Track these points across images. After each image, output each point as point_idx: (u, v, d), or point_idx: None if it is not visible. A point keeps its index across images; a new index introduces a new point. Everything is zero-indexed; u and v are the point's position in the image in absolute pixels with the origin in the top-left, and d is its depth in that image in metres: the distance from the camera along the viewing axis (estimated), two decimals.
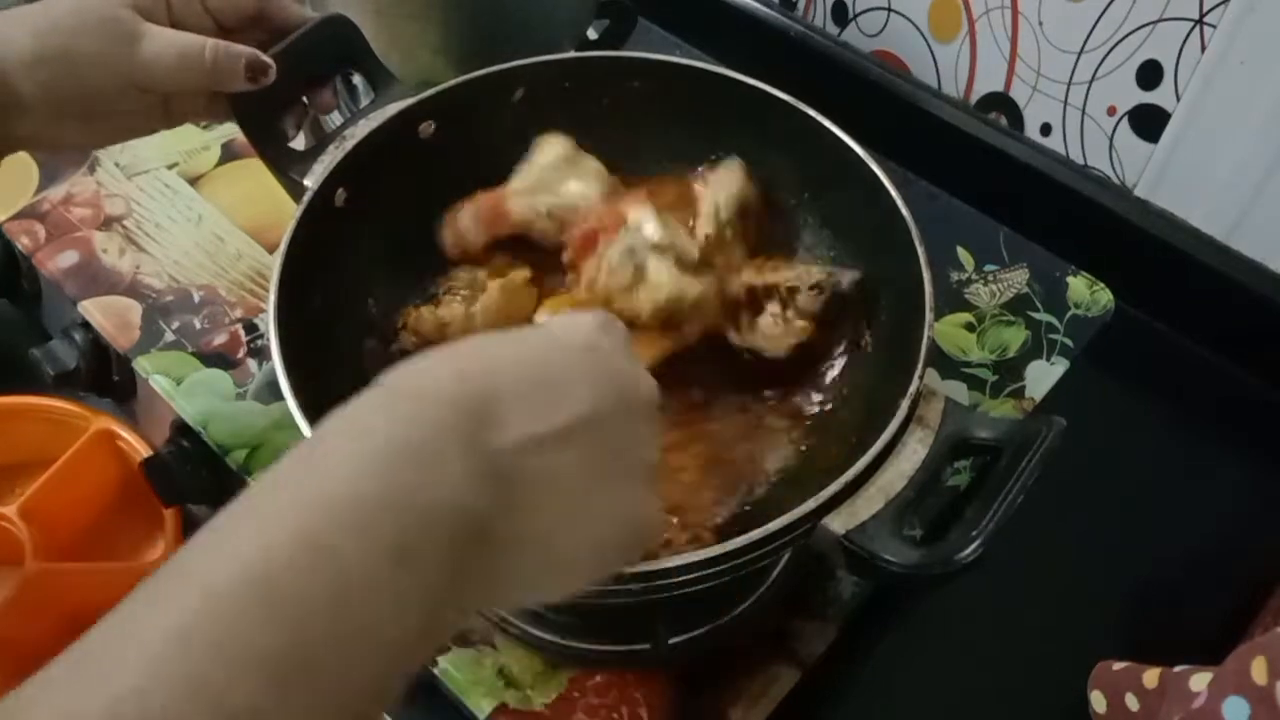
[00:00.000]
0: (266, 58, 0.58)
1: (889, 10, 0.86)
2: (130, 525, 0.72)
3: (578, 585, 0.37)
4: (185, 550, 0.29)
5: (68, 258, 0.77)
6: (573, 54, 0.77)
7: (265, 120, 0.61)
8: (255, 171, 0.80)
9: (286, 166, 0.61)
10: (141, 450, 0.70)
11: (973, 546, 0.43)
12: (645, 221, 0.58)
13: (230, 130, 0.85)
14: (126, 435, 0.70)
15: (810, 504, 0.45)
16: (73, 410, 0.71)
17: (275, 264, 0.55)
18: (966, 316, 0.73)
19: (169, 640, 0.26)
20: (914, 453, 0.48)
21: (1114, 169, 0.78)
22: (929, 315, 0.52)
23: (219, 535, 0.29)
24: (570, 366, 0.36)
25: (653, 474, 0.38)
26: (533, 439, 0.33)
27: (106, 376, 0.74)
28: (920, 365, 0.49)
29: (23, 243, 0.78)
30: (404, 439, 0.31)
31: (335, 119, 0.71)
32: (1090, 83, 0.75)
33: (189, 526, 0.69)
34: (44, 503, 0.67)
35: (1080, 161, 0.79)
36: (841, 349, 0.63)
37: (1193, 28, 0.68)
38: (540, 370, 0.36)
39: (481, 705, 0.56)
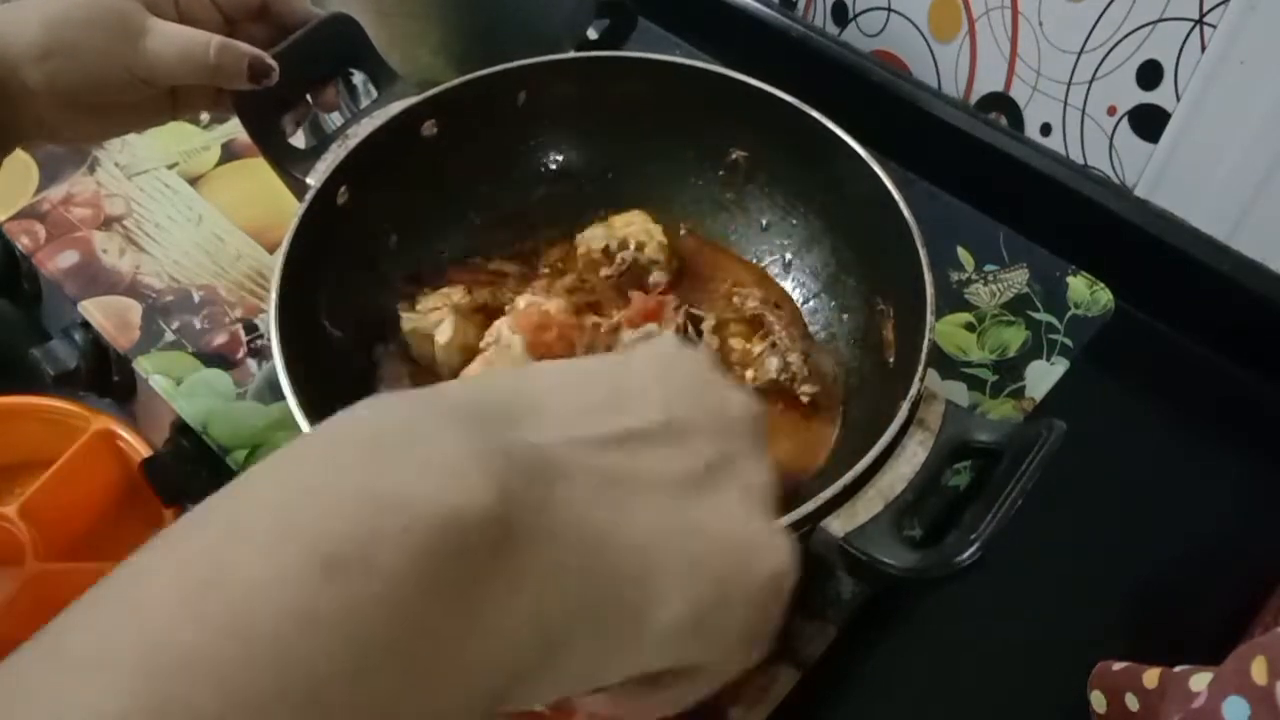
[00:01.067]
0: (270, 60, 0.58)
1: (889, 10, 0.86)
2: (130, 525, 0.72)
3: (666, 636, 0.27)
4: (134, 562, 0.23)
5: (68, 258, 0.77)
6: (573, 54, 0.77)
7: (268, 118, 0.62)
8: (255, 171, 0.80)
9: (289, 164, 0.61)
10: (141, 450, 0.70)
11: (971, 550, 0.43)
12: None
13: (230, 130, 0.85)
14: (126, 435, 0.70)
15: (809, 506, 0.45)
16: (73, 410, 0.71)
17: (276, 263, 0.55)
18: (966, 316, 0.73)
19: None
20: (914, 455, 0.48)
21: (1114, 169, 0.78)
22: (930, 317, 0.52)
23: (140, 564, 0.23)
24: (638, 374, 0.30)
25: (764, 501, 0.30)
26: (580, 435, 0.27)
27: (106, 376, 0.74)
28: (921, 367, 0.49)
29: (23, 243, 0.78)
30: (375, 428, 0.24)
31: (336, 118, 0.71)
32: (1090, 83, 0.75)
33: None
34: (44, 503, 0.67)
35: (1080, 161, 0.79)
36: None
37: (1193, 28, 0.68)
38: (597, 379, 0.29)
39: None
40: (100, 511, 0.72)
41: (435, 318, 0.62)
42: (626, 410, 0.28)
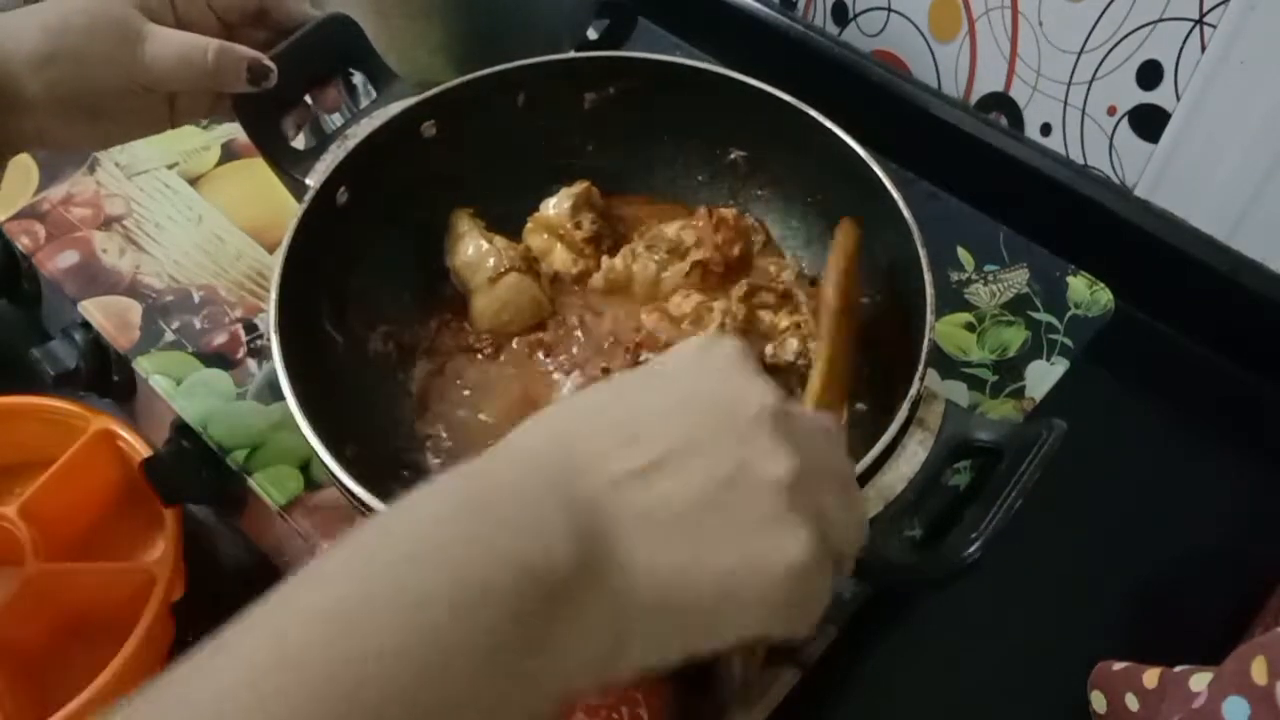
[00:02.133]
0: (268, 61, 0.57)
1: (889, 10, 0.86)
2: (130, 525, 0.72)
3: (707, 638, 0.33)
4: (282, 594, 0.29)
5: (68, 258, 0.77)
6: (573, 54, 0.77)
7: (267, 119, 0.61)
8: (255, 171, 0.80)
9: (289, 166, 0.61)
10: (141, 450, 0.70)
11: (972, 549, 0.43)
12: None
13: (230, 130, 0.85)
14: (126, 435, 0.70)
15: None
16: (73, 410, 0.71)
17: (276, 263, 0.55)
18: (966, 316, 0.73)
19: (238, 688, 0.26)
20: (914, 455, 0.48)
21: (1114, 169, 0.78)
22: (929, 316, 0.52)
23: (288, 595, 0.29)
24: (662, 396, 0.34)
25: (793, 497, 0.32)
26: (619, 476, 0.32)
27: (106, 376, 0.74)
28: (921, 367, 0.49)
29: (23, 243, 0.78)
30: (480, 491, 0.31)
31: (337, 118, 0.71)
32: (1090, 83, 0.75)
33: (189, 526, 0.69)
34: (44, 503, 0.67)
35: (1080, 161, 0.79)
36: None
37: (1193, 28, 0.68)
38: (630, 406, 0.34)
39: None
40: (100, 511, 0.72)
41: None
42: (652, 437, 0.33)
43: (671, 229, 0.66)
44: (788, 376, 0.61)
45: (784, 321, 0.61)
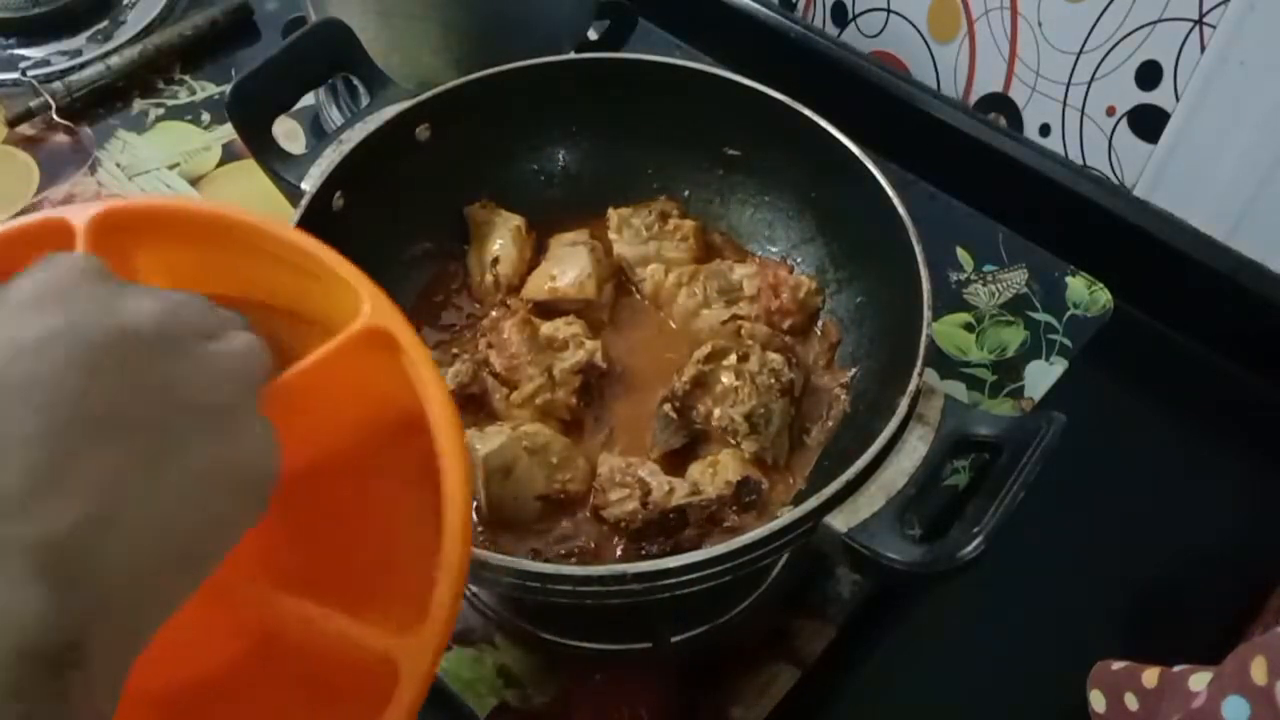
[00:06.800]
0: None
1: (888, 11, 0.86)
2: None
3: (212, 548, 0.31)
4: None
5: None
6: (573, 55, 0.77)
7: (260, 125, 0.61)
8: (256, 172, 0.80)
9: (282, 170, 0.61)
10: None
11: (975, 543, 0.42)
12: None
13: (231, 131, 0.85)
14: None
15: (811, 503, 0.45)
16: None
17: None
18: (965, 317, 0.73)
19: None
20: (914, 450, 0.48)
21: (1113, 169, 0.78)
22: (927, 314, 0.52)
23: None
24: (32, 355, 0.28)
25: (216, 407, 0.31)
26: (44, 479, 0.26)
27: None
28: (919, 364, 0.50)
29: None
30: None
31: (337, 118, 0.71)
32: (1090, 83, 0.75)
33: None
34: None
35: (1080, 162, 0.80)
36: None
37: (1193, 28, 0.68)
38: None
39: (481, 704, 0.56)
40: None
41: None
42: (50, 407, 0.27)
43: (738, 271, 0.65)
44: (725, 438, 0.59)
45: (733, 383, 0.59)
